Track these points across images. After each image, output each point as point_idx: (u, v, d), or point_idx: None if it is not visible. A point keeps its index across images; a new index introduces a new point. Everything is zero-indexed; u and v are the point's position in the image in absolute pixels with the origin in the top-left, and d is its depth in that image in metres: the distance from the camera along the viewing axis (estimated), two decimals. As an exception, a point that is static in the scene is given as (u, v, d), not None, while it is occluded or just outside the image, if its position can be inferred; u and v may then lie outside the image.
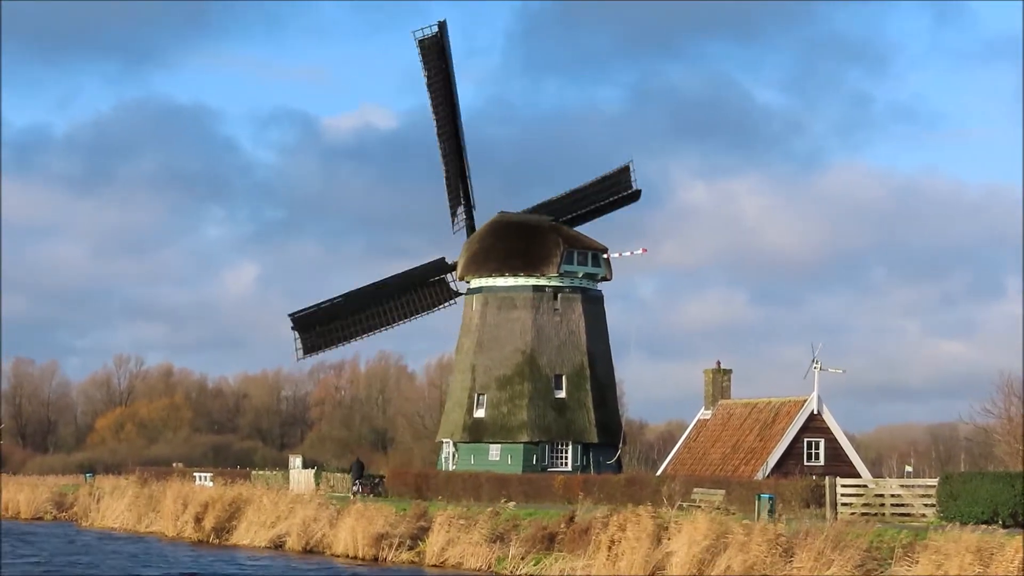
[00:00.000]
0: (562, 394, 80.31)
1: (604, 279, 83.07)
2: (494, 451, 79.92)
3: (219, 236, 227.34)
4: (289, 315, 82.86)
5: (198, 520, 68.17)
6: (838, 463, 66.16)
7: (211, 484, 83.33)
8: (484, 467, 77.07)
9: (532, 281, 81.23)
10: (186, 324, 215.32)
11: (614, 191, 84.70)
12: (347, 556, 57.28)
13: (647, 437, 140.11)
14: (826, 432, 67.44)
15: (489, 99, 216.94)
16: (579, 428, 79.83)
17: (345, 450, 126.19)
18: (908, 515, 52.22)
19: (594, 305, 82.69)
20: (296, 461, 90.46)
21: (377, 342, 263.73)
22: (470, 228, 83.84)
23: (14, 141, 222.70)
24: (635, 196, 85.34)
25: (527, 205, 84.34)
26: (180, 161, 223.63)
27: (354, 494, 74.35)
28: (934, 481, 52.66)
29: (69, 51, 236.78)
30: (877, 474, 79.98)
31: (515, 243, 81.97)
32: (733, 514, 48.85)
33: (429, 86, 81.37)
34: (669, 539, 45.10)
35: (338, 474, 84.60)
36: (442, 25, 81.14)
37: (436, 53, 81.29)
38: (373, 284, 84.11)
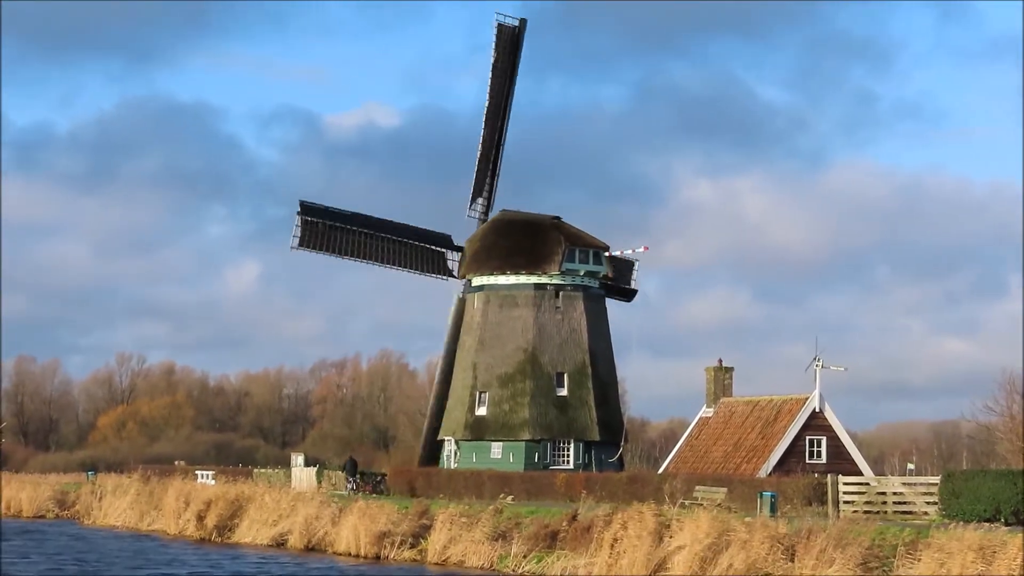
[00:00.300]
0: (564, 392, 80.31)
1: (606, 277, 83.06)
2: (496, 449, 79.92)
3: (221, 234, 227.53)
4: (300, 200, 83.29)
5: (200, 518, 68.19)
6: (840, 461, 66.15)
7: (213, 482, 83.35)
8: (486, 465, 77.06)
9: (534, 279, 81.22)
10: (188, 322, 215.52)
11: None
12: (349, 554, 57.29)
13: (649, 435, 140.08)
14: (828, 430, 67.42)
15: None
16: (581, 426, 79.82)
17: (347, 448, 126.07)
18: (910, 513, 52.21)
19: (595, 303, 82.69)
20: (298, 459, 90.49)
21: (378, 338, 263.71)
22: (482, 220, 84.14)
23: (17, 139, 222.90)
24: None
25: (530, 203, 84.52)
26: (183, 159, 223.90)
27: (348, 491, 74.41)
28: (936, 479, 52.63)
29: (72, 49, 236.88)
30: (879, 472, 79.96)
31: (517, 241, 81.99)
32: (735, 512, 48.85)
33: (493, 68, 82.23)
34: (671, 537, 45.09)
35: (340, 472, 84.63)
36: (523, 22, 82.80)
37: (510, 44, 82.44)
38: (383, 218, 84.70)
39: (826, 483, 54.20)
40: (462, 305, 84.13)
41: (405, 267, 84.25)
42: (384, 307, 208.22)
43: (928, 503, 52.20)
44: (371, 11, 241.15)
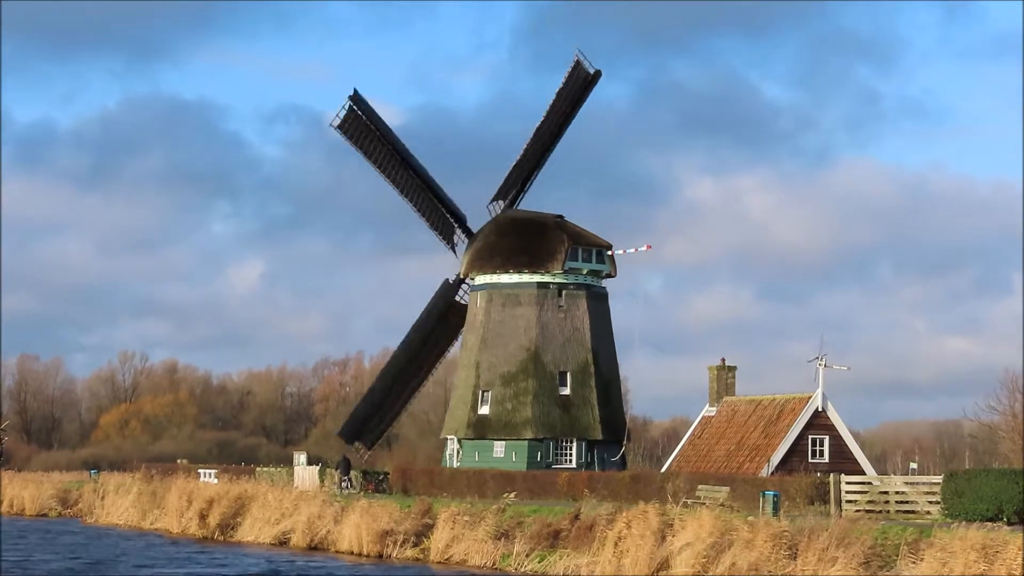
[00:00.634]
0: (566, 391, 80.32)
1: (608, 276, 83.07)
2: (498, 448, 79.93)
3: (225, 232, 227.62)
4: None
5: (202, 517, 68.20)
6: (842, 460, 66.14)
7: (215, 481, 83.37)
8: (488, 464, 77.05)
9: (536, 278, 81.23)
10: (191, 320, 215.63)
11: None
12: (351, 553, 57.30)
13: (652, 434, 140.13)
14: (831, 429, 67.41)
15: (496, 95, 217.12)
16: (584, 425, 79.83)
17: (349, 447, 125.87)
18: (912, 512, 52.19)
19: (598, 302, 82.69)
20: (300, 458, 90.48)
21: (380, 337, 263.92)
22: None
23: (20, 137, 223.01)
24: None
25: (533, 202, 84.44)
26: (186, 157, 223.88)
27: (341, 489, 74.48)
28: (939, 478, 52.62)
29: (75, 46, 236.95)
30: (881, 471, 79.96)
31: (519, 240, 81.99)
32: (737, 511, 48.85)
33: (559, 94, 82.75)
34: (674, 536, 45.09)
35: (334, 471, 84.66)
36: (598, 73, 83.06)
37: (580, 83, 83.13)
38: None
39: (829, 482, 54.19)
40: (447, 292, 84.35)
41: (418, 211, 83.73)
42: (386, 305, 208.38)
43: (930, 502, 52.19)
44: (374, 9, 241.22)
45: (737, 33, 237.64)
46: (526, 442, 79.18)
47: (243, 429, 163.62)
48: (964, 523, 42.42)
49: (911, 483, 54.52)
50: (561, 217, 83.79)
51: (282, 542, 62.16)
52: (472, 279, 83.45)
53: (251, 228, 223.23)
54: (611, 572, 45.94)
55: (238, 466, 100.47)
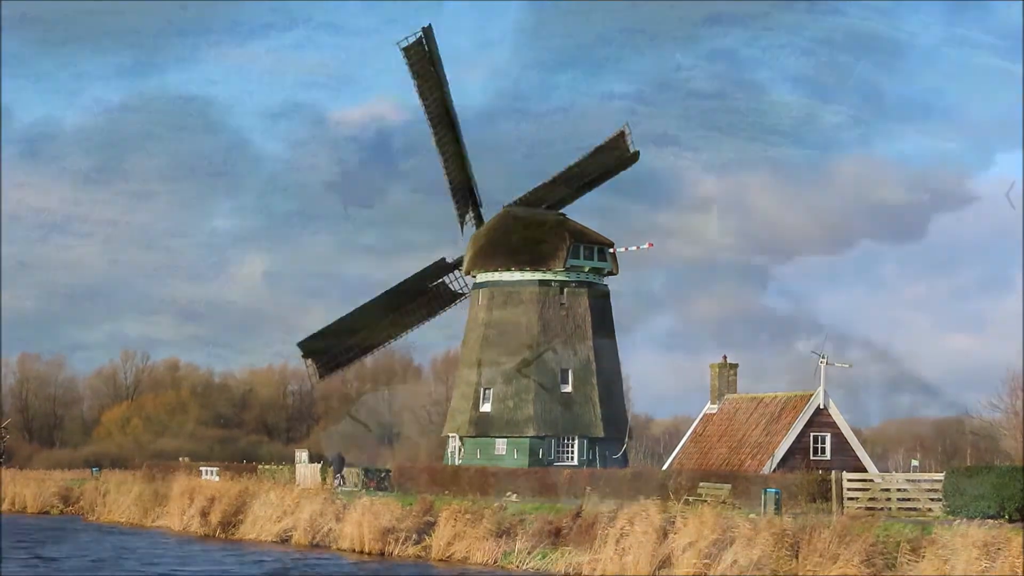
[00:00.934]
0: (568, 388, 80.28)
1: (611, 273, 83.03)
2: (500, 445, 79.91)
3: (228, 229, 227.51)
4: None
5: (204, 515, 68.21)
6: (844, 457, 66.10)
7: (217, 478, 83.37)
8: (490, 462, 77.05)
9: (538, 275, 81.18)
10: (193, 318, 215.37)
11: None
12: (353, 550, 57.29)
13: (653, 431, 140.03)
14: (832, 426, 67.38)
15: (499, 93, 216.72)
16: (585, 422, 79.80)
17: (351, 444, 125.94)
18: (914, 509, 52.15)
19: (600, 299, 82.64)
20: (302, 455, 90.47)
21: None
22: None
23: (24, 134, 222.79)
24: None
25: (536, 198, 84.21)
26: (189, 154, 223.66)
27: (335, 487, 74.53)
28: (940, 475, 52.58)
29: (79, 43, 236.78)
30: (883, 468, 79.90)
31: (521, 237, 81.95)
32: (739, 509, 48.83)
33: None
34: (675, 534, 45.07)
35: (346, 467, 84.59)
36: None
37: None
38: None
39: (830, 480, 54.16)
40: (438, 271, 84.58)
41: (446, 171, 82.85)
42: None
43: (932, 499, 52.14)
44: (378, 6, 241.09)
45: (742, 30, 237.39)
46: (528, 440, 79.16)
47: (245, 427, 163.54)
48: (966, 520, 42.39)
49: (913, 480, 54.49)
50: (563, 214, 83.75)
51: (284, 540, 62.15)
52: (474, 276, 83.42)
53: (254, 225, 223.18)
54: (613, 570, 45.93)
55: (240, 464, 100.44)
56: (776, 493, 50.51)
